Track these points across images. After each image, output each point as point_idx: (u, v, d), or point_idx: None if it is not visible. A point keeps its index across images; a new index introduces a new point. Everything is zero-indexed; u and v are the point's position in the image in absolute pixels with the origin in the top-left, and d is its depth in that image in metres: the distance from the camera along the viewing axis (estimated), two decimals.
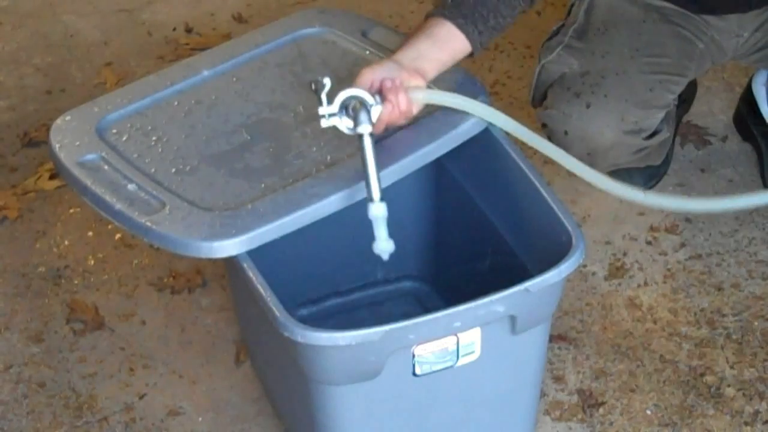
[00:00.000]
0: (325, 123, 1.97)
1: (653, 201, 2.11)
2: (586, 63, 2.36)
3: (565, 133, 2.15)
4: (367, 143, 1.94)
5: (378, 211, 1.91)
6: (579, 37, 2.39)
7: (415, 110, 2.04)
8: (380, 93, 1.98)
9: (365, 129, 1.94)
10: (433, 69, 2.07)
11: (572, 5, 2.49)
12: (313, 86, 1.97)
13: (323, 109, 1.96)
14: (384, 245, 1.92)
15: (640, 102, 2.34)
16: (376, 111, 1.97)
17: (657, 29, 2.38)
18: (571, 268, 1.92)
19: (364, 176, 1.92)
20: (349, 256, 2.34)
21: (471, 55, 2.12)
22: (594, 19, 2.40)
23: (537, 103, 2.45)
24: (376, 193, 1.91)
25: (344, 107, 1.97)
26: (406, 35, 2.12)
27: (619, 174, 2.69)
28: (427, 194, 2.34)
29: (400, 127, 2.05)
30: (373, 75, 2.00)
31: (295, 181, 1.99)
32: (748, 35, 2.45)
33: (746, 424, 2.30)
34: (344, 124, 1.97)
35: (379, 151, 1.99)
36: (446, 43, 2.08)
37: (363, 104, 1.96)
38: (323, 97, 1.95)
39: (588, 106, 2.31)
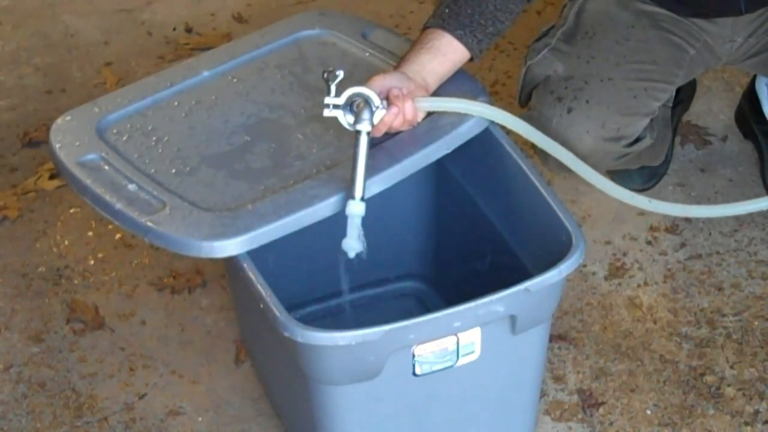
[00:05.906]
0: (327, 112, 2.00)
1: (657, 207, 2.12)
2: (571, 67, 2.34)
3: None
4: (363, 142, 1.95)
5: (356, 209, 1.93)
6: (566, 41, 2.37)
7: (419, 119, 2.06)
8: (388, 99, 2.00)
9: (364, 127, 1.96)
10: (435, 81, 2.10)
11: (564, 6, 2.47)
12: (325, 75, 2.00)
13: (329, 99, 1.99)
14: (353, 243, 1.94)
15: (623, 109, 2.31)
16: (379, 114, 1.99)
17: (646, 35, 2.36)
18: (571, 268, 1.93)
19: (351, 173, 1.93)
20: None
21: (471, 60, 2.13)
22: (583, 23, 2.37)
23: (524, 103, 2.44)
24: (358, 192, 1.93)
25: (350, 103, 1.99)
26: (407, 50, 2.13)
27: (617, 174, 2.69)
28: (427, 194, 2.34)
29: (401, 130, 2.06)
30: (384, 81, 2.02)
31: (296, 182, 1.99)
32: (742, 40, 2.42)
33: (746, 424, 2.30)
34: (345, 118, 1.99)
35: (381, 153, 2.00)
36: (446, 55, 2.10)
37: (368, 104, 1.97)
38: (332, 86, 1.98)
39: (569, 111, 2.29)
